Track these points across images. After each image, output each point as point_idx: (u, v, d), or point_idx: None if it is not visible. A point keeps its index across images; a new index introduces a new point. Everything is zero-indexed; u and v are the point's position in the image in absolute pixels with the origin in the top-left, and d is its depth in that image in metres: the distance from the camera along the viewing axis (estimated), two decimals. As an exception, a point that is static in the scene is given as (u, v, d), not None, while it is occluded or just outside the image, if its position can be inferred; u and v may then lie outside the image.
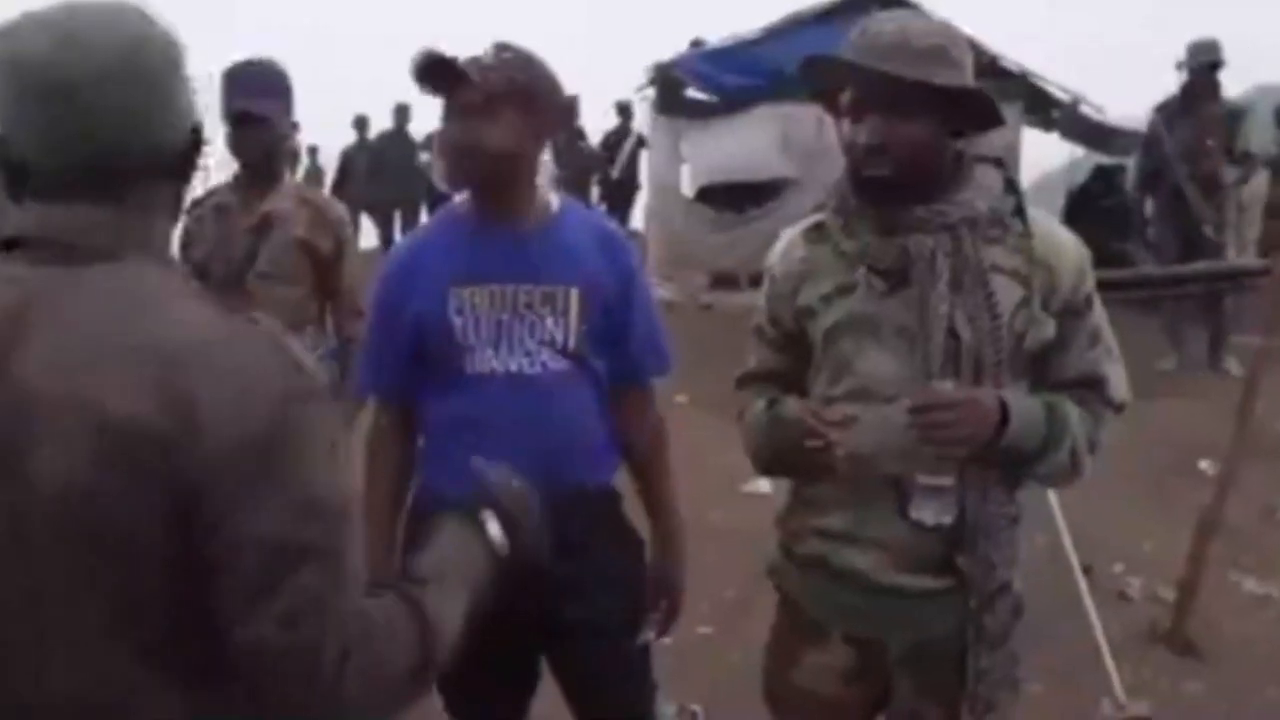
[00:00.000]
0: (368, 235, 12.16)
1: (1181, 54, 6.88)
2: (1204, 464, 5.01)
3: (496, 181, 2.02)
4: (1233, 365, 6.56)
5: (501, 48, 2.01)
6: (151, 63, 1.14)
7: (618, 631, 2.13)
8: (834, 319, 1.80)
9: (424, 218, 12.12)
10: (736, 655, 3.35)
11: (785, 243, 1.92)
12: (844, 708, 1.92)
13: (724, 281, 9.55)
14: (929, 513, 1.76)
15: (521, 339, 2.02)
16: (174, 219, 1.24)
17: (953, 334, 1.74)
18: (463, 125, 1.97)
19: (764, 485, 4.96)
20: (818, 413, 1.77)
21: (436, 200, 11.80)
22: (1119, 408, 1.85)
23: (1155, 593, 4.00)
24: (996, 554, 1.78)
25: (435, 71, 1.95)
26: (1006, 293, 1.75)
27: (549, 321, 2.02)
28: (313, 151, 12.99)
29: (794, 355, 1.91)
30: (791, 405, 1.85)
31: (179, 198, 1.24)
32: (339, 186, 12.19)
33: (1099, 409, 1.83)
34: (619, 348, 2.09)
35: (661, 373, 2.20)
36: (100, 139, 1.13)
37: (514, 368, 2.02)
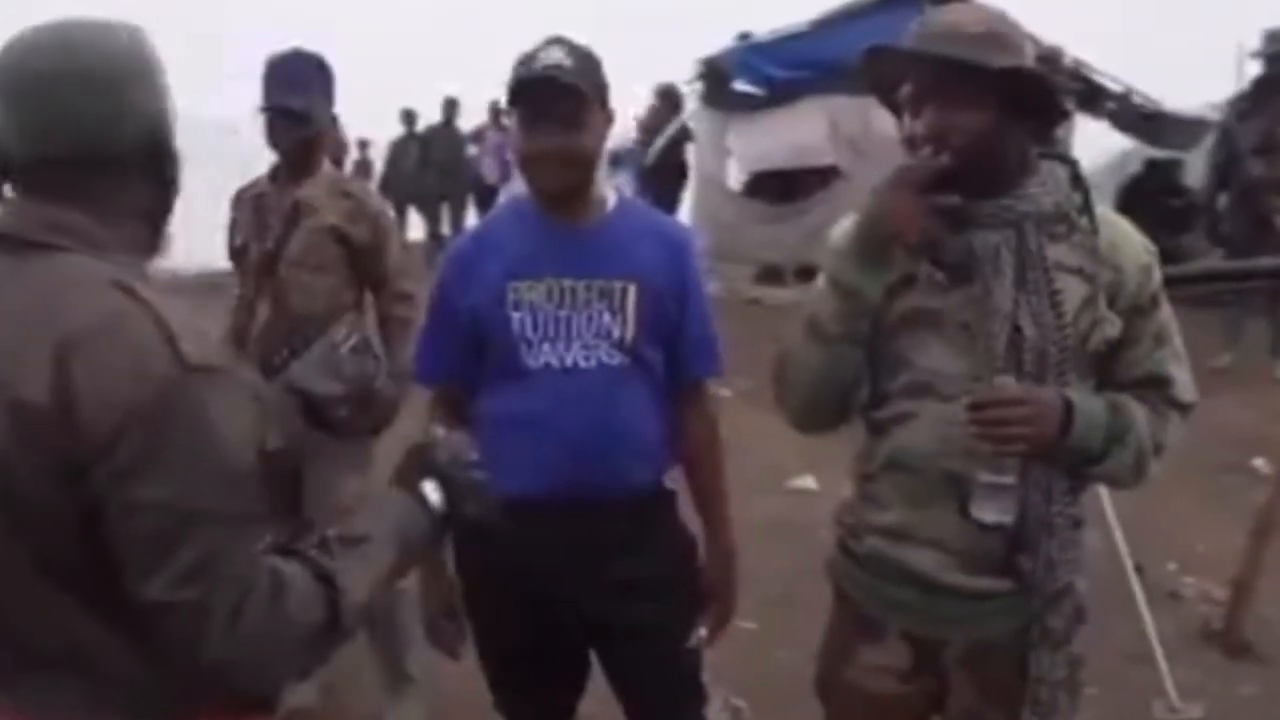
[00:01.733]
0: (415, 228, 12.24)
1: (1258, 44, 6.73)
2: (1259, 462, 4.94)
3: (582, 184, 2.03)
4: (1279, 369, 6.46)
5: (568, 46, 1.99)
6: (101, 70, 1.27)
7: (669, 634, 2.11)
8: (896, 312, 1.77)
9: (471, 211, 12.21)
10: (782, 651, 3.34)
11: (843, 229, 1.84)
12: (899, 706, 1.90)
13: (769, 275, 9.52)
14: (989, 512, 1.73)
15: (579, 332, 2.01)
16: (151, 214, 1.35)
17: (1016, 330, 1.71)
18: (562, 135, 1.96)
19: (809, 481, 4.95)
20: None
21: (483, 193, 11.90)
22: (1185, 409, 1.81)
23: (1208, 593, 3.94)
24: (1059, 554, 1.75)
25: (540, 89, 1.94)
26: (1071, 291, 1.72)
27: (605, 316, 2.01)
28: (363, 145, 13.08)
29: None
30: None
31: (156, 195, 1.35)
32: (387, 180, 12.28)
33: (1164, 410, 1.79)
34: (673, 345, 2.08)
35: (714, 375, 2.18)
36: (53, 136, 1.26)
37: (569, 362, 2.00)
